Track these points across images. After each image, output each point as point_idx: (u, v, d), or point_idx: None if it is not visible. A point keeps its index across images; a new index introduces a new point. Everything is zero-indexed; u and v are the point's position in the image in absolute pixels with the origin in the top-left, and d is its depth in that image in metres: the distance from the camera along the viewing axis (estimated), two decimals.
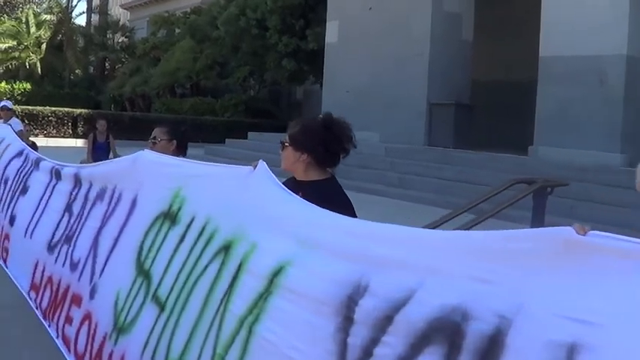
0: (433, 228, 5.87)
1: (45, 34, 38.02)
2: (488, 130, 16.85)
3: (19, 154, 6.82)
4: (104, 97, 37.49)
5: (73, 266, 4.45)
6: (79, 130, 24.10)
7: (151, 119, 25.72)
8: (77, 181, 5.06)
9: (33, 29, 37.40)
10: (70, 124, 24.11)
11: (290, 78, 26.84)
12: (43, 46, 37.79)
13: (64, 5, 40.40)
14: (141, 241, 3.66)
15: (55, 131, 23.81)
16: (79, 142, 23.45)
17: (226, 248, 2.92)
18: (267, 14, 22.75)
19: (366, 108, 17.58)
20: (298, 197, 2.84)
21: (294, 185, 3.45)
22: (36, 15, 38.10)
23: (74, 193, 5.04)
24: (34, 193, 5.88)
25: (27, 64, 37.36)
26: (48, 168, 5.80)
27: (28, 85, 35.02)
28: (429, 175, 13.19)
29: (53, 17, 38.78)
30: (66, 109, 24.49)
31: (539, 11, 14.11)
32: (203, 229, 3.16)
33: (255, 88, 31.69)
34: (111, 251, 4.00)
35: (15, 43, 37.06)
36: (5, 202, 6.52)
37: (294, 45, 22.54)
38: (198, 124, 26.03)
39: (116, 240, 4.00)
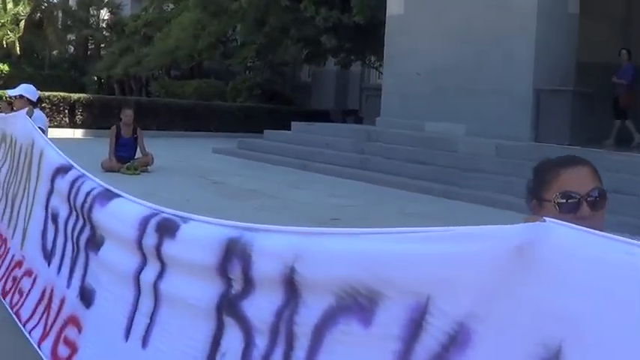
0: None
1: (23, 10, 34.39)
2: (601, 122, 13.96)
3: (61, 170, 3.73)
4: (88, 79, 34.33)
5: None
6: (77, 118, 20.82)
7: (160, 105, 22.59)
8: (240, 254, 2.10)
9: (10, 5, 33.81)
10: (66, 111, 20.77)
11: (308, 58, 23.91)
12: (22, 23, 34.18)
13: None
14: None
15: (49, 119, 20.43)
16: (78, 133, 20.30)
17: None
18: None
19: (445, 95, 14.60)
20: None
21: None
22: None
23: (236, 279, 2.12)
24: (123, 257, 2.77)
25: (4, 43, 33.70)
26: (140, 215, 2.68)
27: (5, 67, 31.65)
28: None
29: None
30: (62, 93, 21.13)
31: None
32: None
33: (260, 69, 28.45)
34: None
35: None
36: (63, 257, 3.44)
37: (334, 19, 19.33)
38: (211, 110, 23.00)
39: None
